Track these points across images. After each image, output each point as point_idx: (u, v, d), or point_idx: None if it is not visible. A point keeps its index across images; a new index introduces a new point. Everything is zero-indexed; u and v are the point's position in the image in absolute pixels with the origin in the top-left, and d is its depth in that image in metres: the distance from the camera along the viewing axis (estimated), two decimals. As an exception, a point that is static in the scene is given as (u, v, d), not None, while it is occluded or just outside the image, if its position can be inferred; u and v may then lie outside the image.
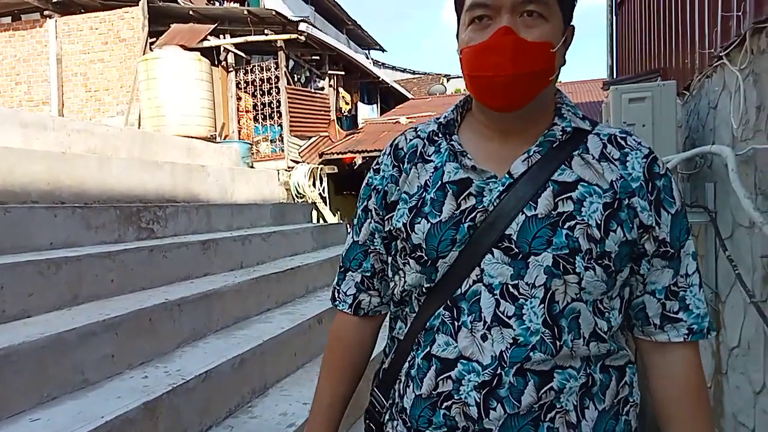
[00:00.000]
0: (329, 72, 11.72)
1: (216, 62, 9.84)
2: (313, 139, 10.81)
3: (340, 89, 12.40)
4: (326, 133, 11.20)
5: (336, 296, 1.06)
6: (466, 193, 0.88)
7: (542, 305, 0.83)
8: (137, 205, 3.47)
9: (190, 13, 9.45)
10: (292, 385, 2.73)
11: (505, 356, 0.83)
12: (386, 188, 0.96)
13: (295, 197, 9.17)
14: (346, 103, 12.77)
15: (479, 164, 0.88)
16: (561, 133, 0.89)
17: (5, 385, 1.78)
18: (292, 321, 3.10)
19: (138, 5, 9.24)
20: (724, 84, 2.53)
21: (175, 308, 2.61)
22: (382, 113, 14.90)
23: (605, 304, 0.87)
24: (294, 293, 3.72)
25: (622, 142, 0.91)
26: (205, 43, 9.50)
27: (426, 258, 0.88)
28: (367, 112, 14.18)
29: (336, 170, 10.38)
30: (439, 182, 0.90)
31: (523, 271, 0.83)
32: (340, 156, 10.24)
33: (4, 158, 2.95)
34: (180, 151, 5.01)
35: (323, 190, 9.93)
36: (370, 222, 1.00)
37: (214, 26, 9.49)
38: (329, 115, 11.45)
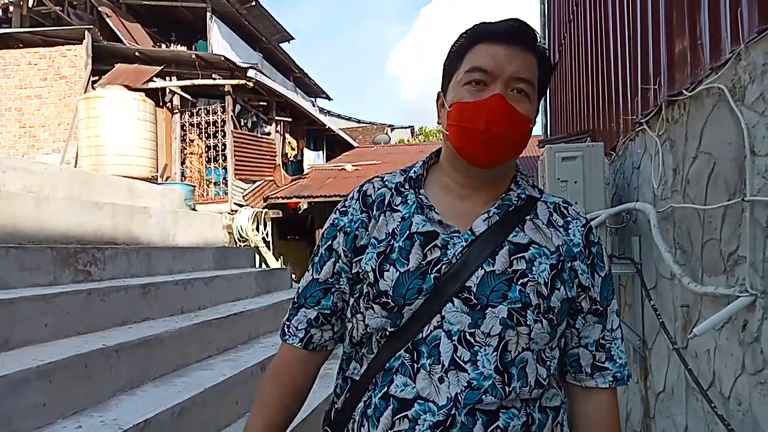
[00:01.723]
0: (276, 118, 11.82)
1: (161, 103, 9.75)
2: (258, 183, 10.77)
3: (287, 135, 12.50)
4: (272, 178, 11.20)
5: (286, 330, 1.07)
6: (432, 244, 0.95)
7: (495, 353, 0.91)
8: (75, 246, 3.35)
9: (136, 54, 9.40)
10: (234, 434, 2.66)
11: (459, 398, 0.89)
12: (356, 232, 1.00)
13: (237, 241, 9.03)
14: (293, 149, 12.86)
15: (445, 219, 0.96)
16: (516, 198, 1.00)
17: (-75, 436, 1.66)
18: (235, 368, 3.03)
19: (82, 44, 9.10)
20: (645, 147, 2.79)
21: (113, 354, 2.52)
22: (328, 160, 15.07)
23: (547, 354, 0.96)
24: (236, 339, 3.64)
25: (565, 212, 1.03)
26: (151, 84, 9.43)
27: (393, 304, 0.94)
28: (313, 158, 14.30)
29: (281, 215, 10.34)
30: (407, 232, 0.96)
31: (480, 320, 0.91)
32: (285, 200, 10.23)
33: (-67, 195, 2.81)
34: (121, 192, 4.89)
35: (267, 235, 9.84)
36: (336, 262, 1.02)
37: (160, 68, 9.45)
38: (275, 160, 11.48)
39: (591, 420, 1.03)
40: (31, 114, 9.12)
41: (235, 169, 10.02)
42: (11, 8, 10.76)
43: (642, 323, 2.89)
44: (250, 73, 9.87)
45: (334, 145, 16.33)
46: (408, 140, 22.18)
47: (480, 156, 0.96)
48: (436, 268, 0.93)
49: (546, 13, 7.32)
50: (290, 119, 12.37)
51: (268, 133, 11.68)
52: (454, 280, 0.92)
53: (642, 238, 2.86)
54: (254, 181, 10.65)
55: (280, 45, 14.63)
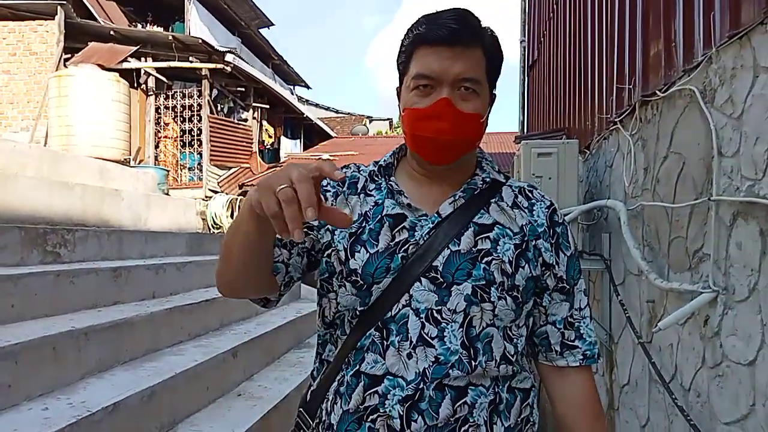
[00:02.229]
0: (253, 104, 11.69)
1: (135, 85, 9.54)
2: (233, 170, 10.65)
3: (264, 122, 12.38)
4: (248, 165, 11.09)
5: None
6: (401, 226, 0.99)
7: (461, 329, 0.95)
8: (44, 227, 3.28)
9: (111, 33, 9.17)
10: (204, 420, 2.65)
11: (427, 373, 0.93)
12: (333, 201, 1.04)
13: (211, 227, 8.93)
14: (269, 137, 12.74)
15: (413, 203, 1.01)
16: (481, 182, 1.05)
17: None
18: (206, 354, 3.02)
19: (54, 20, 8.84)
20: (618, 146, 2.85)
21: (82, 337, 2.48)
22: (305, 149, 14.97)
23: (513, 332, 1.00)
24: (208, 326, 3.62)
25: (530, 194, 1.08)
26: (125, 65, 9.22)
27: (362, 283, 0.97)
28: (290, 147, 14.20)
29: (255, 202, 10.23)
30: (379, 216, 1.01)
31: (446, 298, 0.95)
32: (260, 188, 10.14)
33: None
34: (93, 174, 4.79)
35: (241, 222, 9.73)
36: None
37: (135, 48, 9.24)
38: (251, 147, 11.36)
39: (569, 399, 1.06)
40: (-2, 90, 8.85)
41: (211, 155, 9.90)
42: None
43: (609, 318, 2.97)
44: (228, 57, 9.73)
45: (311, 135, 16.23)
46: (386, 132, 22.17)
47: (432, 159, 1.01)
48: (403, 249, 0.97)
49: (526, 10, 7.38)
50: (268, 106, 12.25)
51: (245, 120, 11.54)
52: (421, 260, 0.96)
53: (612, 235, 2.94)
54: (230, 168, 10.54)
55: (260, 31, 14.44)
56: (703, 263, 1.86)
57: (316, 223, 1.03)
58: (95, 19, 9.49)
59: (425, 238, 0.98)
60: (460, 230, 0.99)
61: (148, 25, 11.41)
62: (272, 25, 15.08)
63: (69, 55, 9.04)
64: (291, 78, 18.06)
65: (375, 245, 0.99)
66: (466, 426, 0.94)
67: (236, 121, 11.15)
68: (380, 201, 1.03)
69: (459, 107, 0.96)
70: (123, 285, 3.31)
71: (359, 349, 0.98)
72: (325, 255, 1.03)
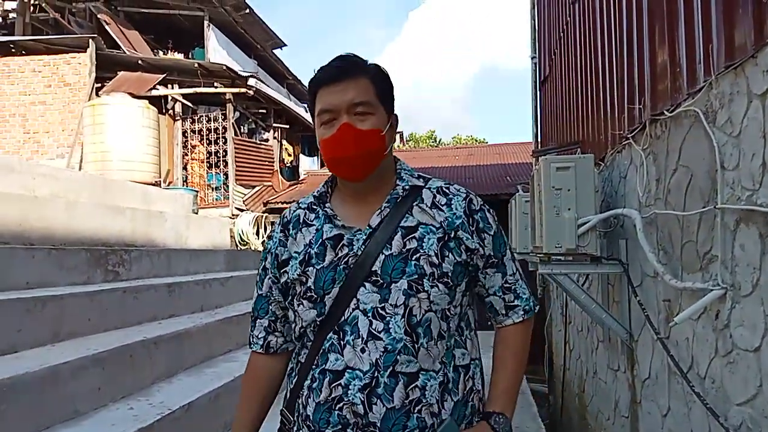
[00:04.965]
0: (274, 125, 12.05)
1: (163, 110, 9.95)
2: (257, 188, 11.00)
3: (284, 141, 12.74)
4: (270, 183, 11.43)
5: (251, 340, 1.32)
6: (341, 244, 1.17)
7: (403, 319, 1.11)
8: (104, 248, 3.59)
9: (139, 62, 9.60)
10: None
11: (379, 362, 1.10)
12: (277, 251, 1.25)
13: (238, 244, 9.25)
14: (289, 155, 13.10)
15: (347, 223, 1.19)
16: (402, 191, 1.21)
17: (9, 412, 1.90)
18: (256, 361, 3.28)
19: (86, 52, 9.29)
20: (631, 159, 3.08)
21: (152, 346, 2.77)
22: (322, 165, 15.30)
23: (450, 312, 1.17)
24: (252, 336, 3.89)
25: (447, 191, 1.24)
26: (153, 92, 9.63)
27: (315, 295, 1.15)
28: (308, 164, 14.55)
29: (279, 220, 10.57)
30: (321, 240, 1.19)
31: (387, 295, 1.12)
32: (283, 205, 10.48)
33: (-22, 200, 3.04)
34: (137, 197, 5.12)
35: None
36: (269, 278, 1.26)
37: (163, 76, 9.66)
38: (273, 166, 11.72)
39: (508, 344, 1.26)
40: (35, 120, 9.30)
41: (236, 175, 10.26)
42: (11, 15, 10.92)
43: (629, 318, 3.18)
44: (251, 81, 10.11)
45: (328, 151, 16.48)
46: (398, 146, 22.47)
47: (349, 176, 1.20)
48: (344, 261, 1.15)
49: (536, 28, 7.62)
50: (287, 126, 12.62)
51: (266, 140, 11.92)
52: (362, 267, 1.13)
53: (629, 241, 3.15)
54: (253, 186, 10.89)
55: (273, 51, 14.86)
56: (712, 264, 2.08)
57: (276, 272, 1.24)
58: (119, 48, 9.94)
59: (362, 249, 1.15)
60: (390, 236, 1.15)
61: (169, 51, 11.86)
62: (284, 45, 15.49)
63: (100, 85, 9.48)
64: (305, 97, 18.36)
65: (321, 263, 1.16)
66: (420, 406, 1.10)
67: (258, 142, 11.52)
68: (319, 227, 1.21)
69: (358, 127, 1.14)
70: (176, 299, 3.61)
71: (323, 351, 1.14)
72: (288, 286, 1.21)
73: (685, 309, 2.23)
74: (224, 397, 2.70)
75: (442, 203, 1.20)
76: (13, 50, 9.65)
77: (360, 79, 1.16)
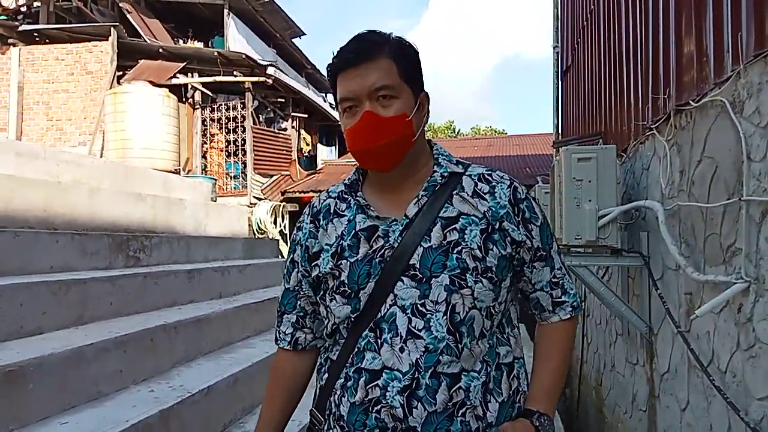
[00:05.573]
0: (292, 114, 12.09)
1: (183, 99, 10.04)
2: (275, 177, 11.07)
3: (302, 131, 12.78)
4: (288, 172, 11.50)
5: (277, 336, 1.25)
6: (375, 236, 1.09)
7: (445, 317, 1.03)
8: (125, 234, 3.64)
9: (160, 50, 9.68)
10: (278, 404, 2.94)
11: (420, 363, 1.02)
12: (307, 243, 1.18)
13: (256, 233, 9.33)
14: (307, 144, 13.15)
15: (381, 213, 1.11)
16: (440, 178, 1.12)
17: (37, 391, 1.95)
18: (274, 347, 3.32)
19: (108, 40, 9.40)
20: (654, 150, 3.04)
21: (172, 331, 2.81)
22: (339, 155, 15.34)
23: (495, 309, 1.09)
24: (269, 323, 3.93)
25: (489, 178, 1.14)
26: (174, 80, 9.71)
27: (349, 291, 1.08)
28: (326, 153, 14.58)
29: (297, 208, 10.65)
30: (353, 231, 1.12)
31: (428, 291, 1.04)
32: (301, 195, 10.54)
33: (5, 184, 3.10)
34: (158, 184, 5.19)
35: (284, 227, 10.14)
36: (298, 271, 1.20)
37: (183, 65, 9.74)
38: (291, 155, 11.77)
39: (555, 340, 1.18)
40: (58, 108, 9.45)
41: (254, 164, 10.33)
42: (35, 4, 11.07)
43: (649, 311, 3.15)
44: (270, 70, 10.15)
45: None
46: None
47: (376, 167, 1.12)
48: (380, 253, 1.08)
49: (559, 17, 7.52)
50: (306, 115, 12.65)
51: (285, 129, 11.97)
52: (399, 261, 1.06)
53: (650, 233, 3.11)
54: (271, 176, 10.96)
55: (292, 40, 14.86)
56: (735, 257, 2.05)
57: (306, 264, 1.18)
58: (141, 37, 10.03)
59: (398, 241, 1.07)
60: (429, 227, 1.07)
61: (189, 40, 11.94)
62: (303, 34, 15.45)
63: (121, 73, 9.60)
64: (323, 86, 18.45)
65: (355, 256, 1.09)
66: (464, 409, 1.03)
67: (277, 131, 11.58)
68: (351, 217, 1.13)
69: (381, 114, 1.06)
70: (196, 285, 3.65)
71: (359, 349, 1.08)
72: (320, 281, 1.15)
73: (706, 302, 2.20)
74: (243, 381, 2.74)
75: (485, 191, 1.12)
76: (37, 39, 9.80)
77: (380, 61, 1.07)
